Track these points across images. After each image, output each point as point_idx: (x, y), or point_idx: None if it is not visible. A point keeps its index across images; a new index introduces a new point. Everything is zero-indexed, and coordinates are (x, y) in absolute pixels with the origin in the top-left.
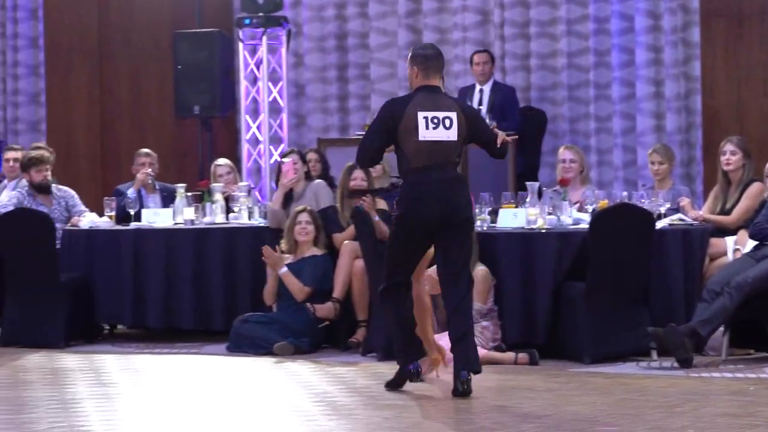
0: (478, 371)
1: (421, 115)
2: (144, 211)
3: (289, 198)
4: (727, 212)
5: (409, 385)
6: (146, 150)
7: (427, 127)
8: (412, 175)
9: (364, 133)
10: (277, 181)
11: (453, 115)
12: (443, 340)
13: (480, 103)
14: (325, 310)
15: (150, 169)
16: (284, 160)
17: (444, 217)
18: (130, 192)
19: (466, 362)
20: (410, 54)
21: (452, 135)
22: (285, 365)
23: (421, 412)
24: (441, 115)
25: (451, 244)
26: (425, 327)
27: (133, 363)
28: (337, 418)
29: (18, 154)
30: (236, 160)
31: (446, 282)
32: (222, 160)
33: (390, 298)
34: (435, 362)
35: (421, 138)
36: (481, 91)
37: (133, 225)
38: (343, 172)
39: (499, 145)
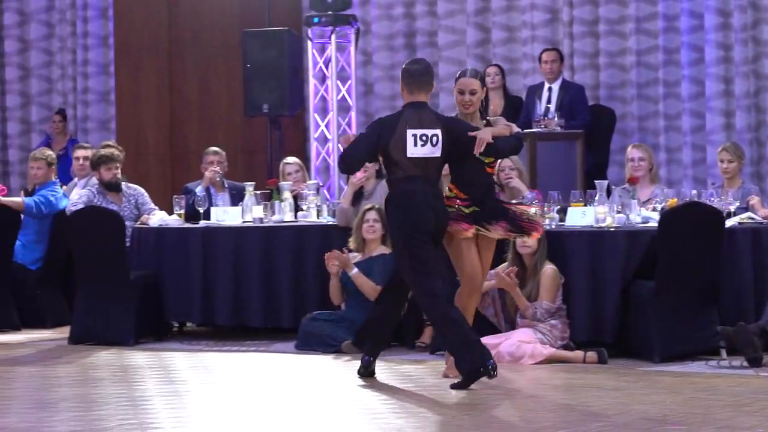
0: None
1: (410, 132)
2: (213, 210)
3: (359, 196)
4: None
5: (477, 383)
6: (215, 148)
7: (415, 144)
8: (404, 183)
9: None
10: (347, 179)
11: (438, 132)
12: (510, 339)
13: (549, 101)
14: None
15: (218, 168)
16: None
17: (436, 224)
18: (199, 190)
19: None
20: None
21: (437, 151)
22: (353, 363)
23: (489, 411)
24: (429, 132)
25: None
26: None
27: (202, 360)
28: (405, 417)
29: (88, 153)
30: (305, 158)
31: None
32: (291, 159)
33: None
34: None
35: (409, 155)
36: (549, 89)
37: (203, 223)
38: None
39: (476, 153)
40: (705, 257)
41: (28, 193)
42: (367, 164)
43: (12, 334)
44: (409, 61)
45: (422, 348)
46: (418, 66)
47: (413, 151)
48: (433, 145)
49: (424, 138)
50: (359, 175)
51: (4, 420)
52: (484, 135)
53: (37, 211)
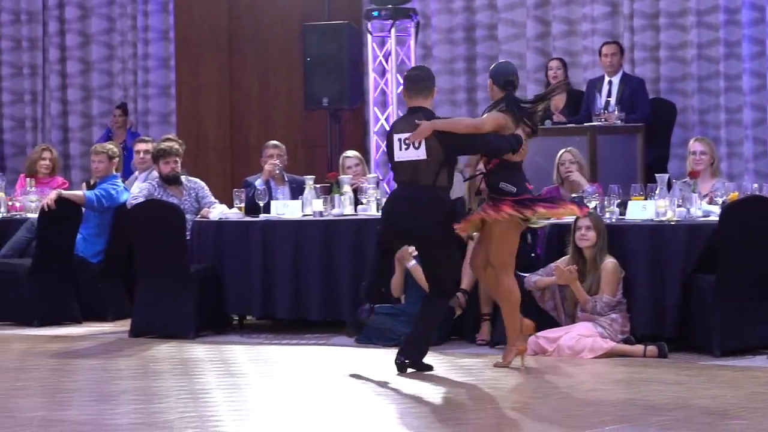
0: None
1: (396, 137)
2: (273, 203)
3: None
4: None
5: (537, 377)
6: (274, 142)
7: (400, 149)
8: (396, 187)
9: None
10: None
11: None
12: (570, 333)
13: (609, 95)
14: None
15: (278, 161)
16: None
17: (405, 231)
18: (258, 183)
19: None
20: None
21: (422, 154)
22: None
23: (549, 405)
24: (404, 136)
25: (421, 258)
26: (512, 317)
27: (261, 354)
28: (464, 411)
29: (148, 146)
30: (365, 151)
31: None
32: (350, 152)
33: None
34: (520, 351)
35: (396, 159)
36: (610, 82)
37: (263, 216)
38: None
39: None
40: (766, 251)
41: (90, 187)
42: None
43: (73, 327)
44: (410, 68)
45: (482, 344)
46: (417, 72)
47: (398, 155)
48: (416, 148)
49: (407, 142)
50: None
51: (66, 412)
52: (423, 128)
53: (98, 205)
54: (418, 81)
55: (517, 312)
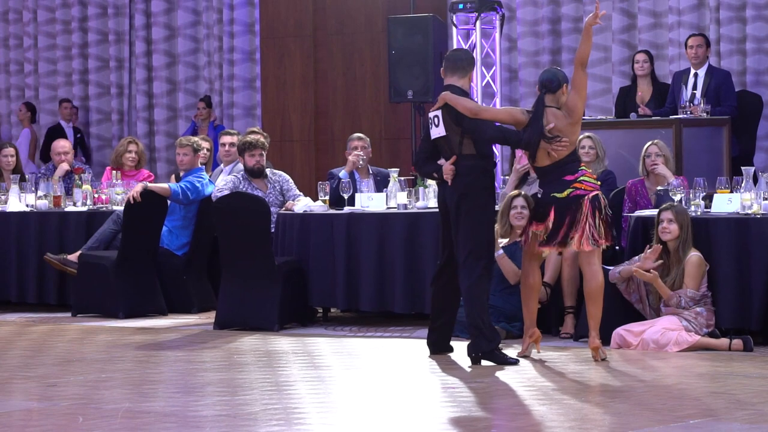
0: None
1: (430, 115)
2: (357, 196)
3: (523, 183)
4: None
5: (621, 370)
6: (359, 134)
7: (430, 126)
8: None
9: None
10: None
11: (439, 112)
12: (655, 326)
13: (695, 87)
14: None
15: (362, 152)
16: None
17: (441, 204)
18: (343, 174)
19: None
20: None
21: (441, 131)
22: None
23: (633, 399)
24: (432, 114)
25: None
26: (528, 303)
27: (345, 346)
28: (549, 404)
29: (234, 139)
30: None
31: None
32: None
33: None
34: (536, 340)
35: (432, 137)
36: (695, 75)
37: (347, 209)
38: None
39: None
40: None
41: (178, 179)
42: None
43: (159, 319)
44: (451, 50)
45: (566, 337)
46: (455, 52)
47: (432, 133)
48: (436, 126)
49: (434, 120)
50: (523, 161)
51: (151, 404)
52: (440, 97)
53: (184, 197)
54: (454, 60)
55: (531, 299)
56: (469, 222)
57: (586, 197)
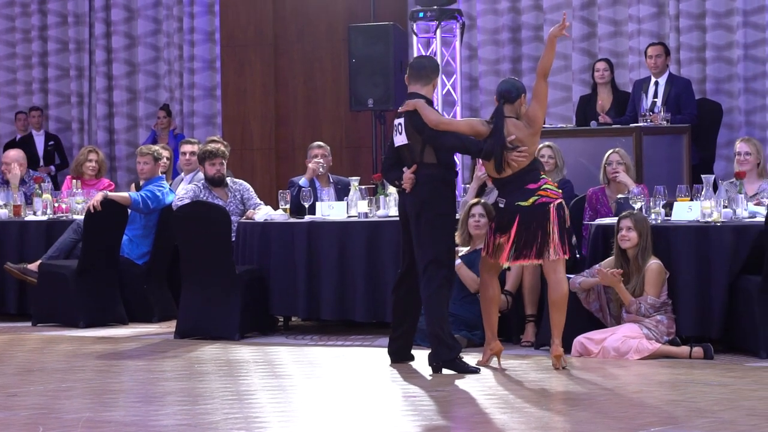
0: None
1: (395, 122)
2: (318, 204)
3: (482, 192)
4: None
5: (581, 378)
6: (319, 143)
7: (394, 134)
8: None
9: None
10: (472, 174)
11: (402, 120)
12: (616, 334)
13: (655, 95)
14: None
15: (322, 160)
16: None
17: (402, 213)
18: (303, 182)
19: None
20: None
21: (403, 139)
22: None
23: (594, 407)
24: (396, 122)
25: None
26: (489, 316)
27: (307, 355)
28: (510, 412)
29: (194, 148)
30: None
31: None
32: None
33: (394, 290)
34: (497, 353)
35: (395, 144)
36: (656, 83)
37: (308, 218)
38: None
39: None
40: None
41: (138, 188)
42: None
43: (119, 328)
44: (415, 57)
45: (527, 345)
46: (420, 60)
47: (395, 140)
48: (399, 134)
49: (398, 127)
50: (484, 169)
51: (112, 413)
52: (409, 102)
53: (144, 206)
54: (418, 68)
55: (491, 310)
56: (430, 231)
57: (552, 205)
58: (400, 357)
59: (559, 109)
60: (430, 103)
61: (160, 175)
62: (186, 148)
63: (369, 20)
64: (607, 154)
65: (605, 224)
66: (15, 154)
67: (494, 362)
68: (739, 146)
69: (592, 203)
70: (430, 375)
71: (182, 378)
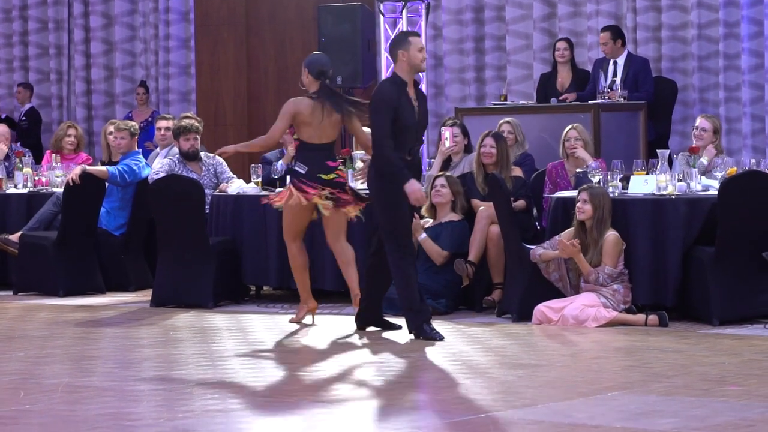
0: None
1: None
2: (288, 177)
3: (446, 167)
4: None
5: (542, 345)
6: None
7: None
8: None
9: (499, 102)
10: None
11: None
12: (574, 303)
13: (614, 75)
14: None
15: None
16: (444, 128)
17: None
18: (280, 165)
19: None
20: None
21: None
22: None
23: (554, 372)
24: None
25: None
26: (300, 279)
27: (278, 323)
28: (473, 377)
29: (169, 123)
30: None
31: None
32: (366, 129)
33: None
34: (311, 309)
35: None
36: (615, 63)
37: (278, 191)
38: (479, 140)
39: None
40: (763, 224)
41: (108, 164)
42: (456, 137)
43: (97, 297)
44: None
45: (490, 303)
46: (390, 42)
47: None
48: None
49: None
50: (449, 144)
51: (90, 379)
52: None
53: (121, 180)
54: (390, 52)
55: (302, 274)
56: (378, 207)
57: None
58: (366, 323)
59: (520, 87)
60: (400, 81)
61: (136, 149)
62: (161, 123)
63: (338, 1)
64: (565, 130)
65: (564, 197)
66: (1, 129)
67: (308, 319)
68: (699, 122)
69: (552, 177)
70: (398, 341)
71: (158, 345)
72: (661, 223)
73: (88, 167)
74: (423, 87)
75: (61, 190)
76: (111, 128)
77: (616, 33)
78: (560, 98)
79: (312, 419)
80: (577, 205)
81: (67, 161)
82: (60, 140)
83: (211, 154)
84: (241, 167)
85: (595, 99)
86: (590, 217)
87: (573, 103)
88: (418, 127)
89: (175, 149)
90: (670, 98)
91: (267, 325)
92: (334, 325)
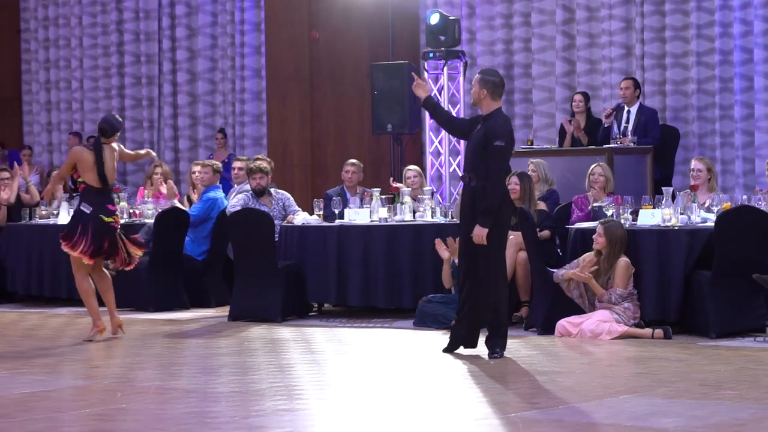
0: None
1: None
2: (346, 210)
3: None
4: None
5: (563, 355)
6: (353, 160)
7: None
8: None
9: (527, 146)
10: None
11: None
12: (591, 318)
13: (627, 122)
14: None
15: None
16: None
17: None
18: (348, 198)
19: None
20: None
21: None
22: None
23: (573, 377)
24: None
25: None
26: (90, 305)
27: (337, 335)
28: (505, 382)
29: (242, 164)
30: (422, 169)
31: None
32: (412, 167)
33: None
34: (101, 330)
35: None
36: (628, 111)
37: (338, 222)
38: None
39: None
40: (753, 251)
41: (188, 198)
42: None
43: (182, 312)
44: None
45: (519, 319)
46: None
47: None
48: None
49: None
50: None
51: (177, 382)
52: None
53: (202, 216)
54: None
55: (88, 300)
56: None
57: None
58: (456, 343)
59: (544, 133)
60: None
61: (217, 184)
62: (236, 164)
63: (388, 59)
64: (591, 167)
65: (583, 228)
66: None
67: (98, 337)
68: (694, 164)
69: (579, 204)
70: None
71: (234, 353)
72: (666, 250)
73: (177, 203)
74: None
75: (152, 221)
76: (196, 168)
77: (636, 84)
78: (575, 134)
79: (368, 417)
80: (594, 236)
81: (157, 196)
82: (150, 177)
83: (280, 190)
84: (306, 202)
85: (609, 143)
86: (603, 248)
87: (590, 147)
88: None
89: (248, 186)
90: (673, 143)
91: (328, 337)
92: (386, 337)
